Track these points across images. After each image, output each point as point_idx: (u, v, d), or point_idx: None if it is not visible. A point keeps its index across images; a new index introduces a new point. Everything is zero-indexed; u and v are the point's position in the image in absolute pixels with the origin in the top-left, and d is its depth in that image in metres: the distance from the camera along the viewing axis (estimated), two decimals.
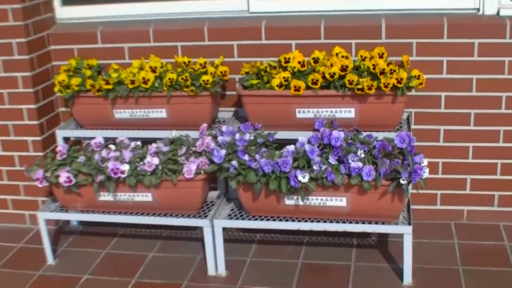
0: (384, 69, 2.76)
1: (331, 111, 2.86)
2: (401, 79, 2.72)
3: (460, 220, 3.24)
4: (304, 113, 2.88)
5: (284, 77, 2.84)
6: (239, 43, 3.13)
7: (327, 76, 2.80)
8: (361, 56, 2.87)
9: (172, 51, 3.19)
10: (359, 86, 2.75)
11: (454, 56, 2.99)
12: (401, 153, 2.72)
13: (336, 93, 2.81)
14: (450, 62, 3.00)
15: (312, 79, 2.81)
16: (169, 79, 2.95)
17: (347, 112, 2.85)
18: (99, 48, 3.26)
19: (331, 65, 2.82)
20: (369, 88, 2.74)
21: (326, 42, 3.04)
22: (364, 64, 2.84)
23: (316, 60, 2.90)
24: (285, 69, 2.91)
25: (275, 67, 2.94)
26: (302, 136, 2.79)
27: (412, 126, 3.10)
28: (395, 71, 2.76)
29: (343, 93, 2.80)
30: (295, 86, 2.82)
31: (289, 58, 2.89)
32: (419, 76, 2.82)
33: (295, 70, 2.87)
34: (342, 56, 2.88)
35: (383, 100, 2.80)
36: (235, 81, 3.19)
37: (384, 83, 2.74)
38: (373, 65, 2.78)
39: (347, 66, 2.80)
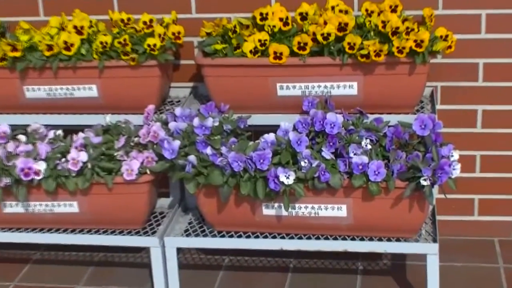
0: (398, 28, 2.81)
1: (325, 87, 2.91)
2: (422, 41, 2.77)
3: (506, 236, 3.33)
4: (288, 89, 2.94)
5: (260, 40, 2.89)
6: None
7: (320, 38, 2.85)
8: (367, 10, 2.93)
9: (105, 4, 3.23)
10: (364, 52, 2.81)
11: (496, 8, 3.05)
12: (422, 143, 2.78)
13: (332, 61, 2.87)
14: (491, 16, 3.07)
15: (299, 43, 2.86)
16: (101, 43, 2.99)
17: (348, 88, 2.91)
18: None
19: (325, 23, 2.87)
20: (378, 54, 2.80)
21: None
22: (370, 21, 2.89)
23: (304, 17, 2.96)
24: (261, 28, 2.96)
25: (247, 26, 2.98)
26: (286, 121, 2.84)
27: (438, 106, 3.17)
28: (413, 30, 2.82)
29: (342, 62, 2.85)
30: (275, 53, 2.87)
31: (267, 14, 2.94)
32: (446, 36, 2.88)
33: (276, 30, 2.92)
34: (340, 11, 2.93)
35: (397, 71, 2.85)
36: (193, 46, 3.25)
37: (398, 47, 2.79)
38: (383, 22, 2.83)
39: (346, 24, 2.84)
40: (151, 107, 3.02)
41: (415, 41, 2.79)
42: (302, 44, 2.87)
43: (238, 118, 2.93)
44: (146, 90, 3.07)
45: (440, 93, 3.19)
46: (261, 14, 2.95)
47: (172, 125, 2.90)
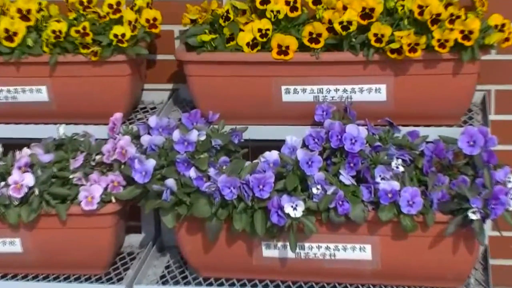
0: (439, 15, 2.80)
1: (345, 90, 2.91)
2: (471, 31, 2.77)
3: None
4: (295, 93, 2.94)
5: (260, 30, 2.89)
6: None
7: (337, 27, 2.84)
8: None
9: None
10: (395, 46, 2.80)
11: None
12: (470, 164, 2.77)
13: (354, 57, 2.87)
14: None
15: (311, 33, 2.86)
16: (54, 32, 2.98)
17: (373, 92, 2.91)
18: None
19: (345, 8, 2.87)
20: (413, 49, 2.80)
21: None
22: (403, 6, 2.89)
23: (317, 0, 2.96)
24: (262, 14, 2.96)
25: (244, 12, 3.00)
26: (293, 135, 2.84)
27: (491, 117, 3.17)
28: (459, 17, 2.81)
29: (366, 58, 2.85)
30: (280, 46, 2.87)
31: None
32: (503, 25, 2.87)
33: (280, 16, 2.92)
34: None
35: (438, 70, 2.85)
36: (174, 37, 3.26)
37: (439, 40, 2.79)
38: (420, 6, 2.83)
39: (373, 10, 2.84)
40: (118, 115, 3.03)
41: (461, 31, 2.79)
42: (314, 35, 2.87)
43: (231, 131, 2.92)
44: (112, 93, 3.08)
45: (495, 99, 3.21)
46: None
47: (145, 139, 2.90)
